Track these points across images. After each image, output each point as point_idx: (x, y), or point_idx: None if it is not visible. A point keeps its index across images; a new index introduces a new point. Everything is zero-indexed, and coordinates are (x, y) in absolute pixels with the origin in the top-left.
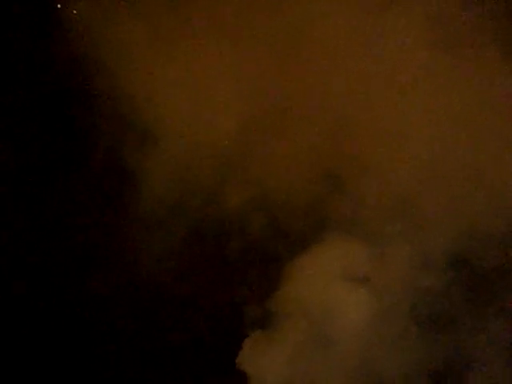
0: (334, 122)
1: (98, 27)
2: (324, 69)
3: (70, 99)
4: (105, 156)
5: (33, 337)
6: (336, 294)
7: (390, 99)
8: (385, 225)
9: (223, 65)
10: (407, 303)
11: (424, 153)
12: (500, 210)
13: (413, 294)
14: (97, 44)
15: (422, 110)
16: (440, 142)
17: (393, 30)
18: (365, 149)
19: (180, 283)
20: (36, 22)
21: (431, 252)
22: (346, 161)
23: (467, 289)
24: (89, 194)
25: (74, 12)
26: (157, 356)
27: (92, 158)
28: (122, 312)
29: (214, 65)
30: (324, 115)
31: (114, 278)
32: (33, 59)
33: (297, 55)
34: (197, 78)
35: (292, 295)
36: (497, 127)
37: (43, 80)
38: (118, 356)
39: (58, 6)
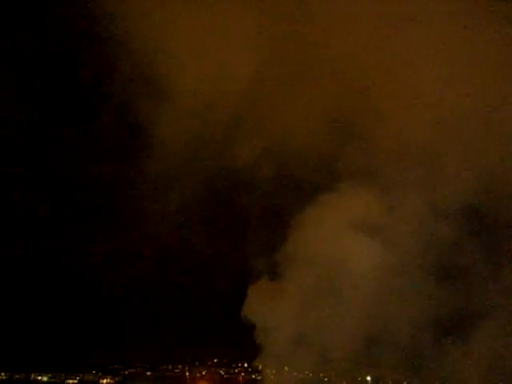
0: (347, 74)
1: None
2: (338, 24)
3: (82, 53)
4: (117, 110)
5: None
6: (345, 245)
7: (404, 50)
8: (398, 175)
9: (235, 18)
10: (419, 253)
11: (438, 103)
12: None
13: (425, 243)
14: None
15: (435, 60)
16: (455, 93)
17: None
18: (378, 99)
19: (191, 236)
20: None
21: (444, 202)
22: (360, 111)
23: (480, 239)
24: (101, 148)
25: None
26: (166, 307)
27: (104, 113)
28: (134, 264)
29: (225, 18)
30: (337, 67)
31: (125, 233)
32: (42, 13)
33: (309, 8)
34: (208, 32)
35: (301, 245)
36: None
37: (55, 33)
38: (130, 299)
39: None
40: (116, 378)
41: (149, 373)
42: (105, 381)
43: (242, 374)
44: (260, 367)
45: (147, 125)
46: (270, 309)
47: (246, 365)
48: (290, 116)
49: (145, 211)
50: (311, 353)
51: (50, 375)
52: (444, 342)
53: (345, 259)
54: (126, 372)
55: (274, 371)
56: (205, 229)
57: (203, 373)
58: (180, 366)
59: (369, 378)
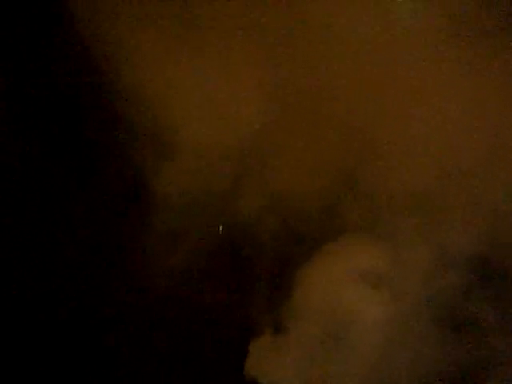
0: (348, 124)
1: (110, 31)
2: (340, 74)
3: (82, 106)
4: (118, 164)
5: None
6: (351, 297)
7: (405, 98)
8: (401, 224)
9: (237, 70)
10: (426, 304)
11: (441, 149)
12: None
13: (431, 294)
14: (109, 49)
15: (437, 107)
16: (458, 138)
17: (409, 29)
18: (383, 150)
19: (193, 290)
20: (43, 28)
21: (450, 251)
22: (361, 161)
23: (489, 289)
24: (102, 203)
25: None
26: (164, 361)
27: (105, 167)
28: (133, 319)
29: (228, 70)
30: (338, 119)
31: (126, 287)
32: (42, 65)
33: (312, 58)
34: (212, 84)
35: (305, 299)
36: None
37: (54, 86)
38: (126, 359)
39: None
40: None
41: None
42: None
43: None
44: None
45: (150, 179)
46: (273, 364)
47: None
48: (294, 169)
49: (148, 266)
50: None
51: None
52: None
53: (350, 311)
54: None
55: None
56: (208, 283)
57: None
58: None
59: None
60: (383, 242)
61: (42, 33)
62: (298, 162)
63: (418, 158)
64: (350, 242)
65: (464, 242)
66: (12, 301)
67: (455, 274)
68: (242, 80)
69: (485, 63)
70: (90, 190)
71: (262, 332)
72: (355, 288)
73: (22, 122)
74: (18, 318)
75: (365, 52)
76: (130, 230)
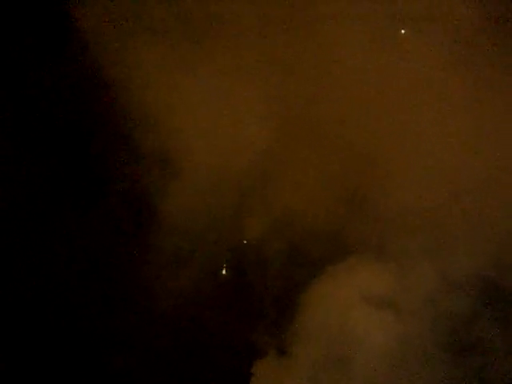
0: (353, 145)
1: (117, 49)
2: (344, 93)
3: (88, 126)
4: (123, 184)
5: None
6: (356, 319)
7: (411, 119)
8: (407, 245)
9: (243, 91)
10: (431, 326)
11: (447, 169)
12: None
13: (437, 316)
14: (115, 66)
15: (441, 128)
16: (464, 159)
17: (413, 49)
18: (385, 168)
19: (197, 312)
20: (51, 48)
21: (456, 273)
22: (366, 181)
23: (495, 312)
24: (107, 224)
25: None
26: (169, 382)
27: (110, 187)
28: (139, 340)
29: (233, 91)
30: (343, 139)
31: (132, 308)
32: (49, 84)
33: (317, 78)
34: (216, 106)
35: (310, 321)
36: None
37: (59, 107)
38: (132, 370)
39: None
40: None
41: None
42: None
43: None
44: None
45: (156, 199)
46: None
47: None
48: (299, 189)
49: (153, 288)
50: None
51: None
52: None
53: (356, 333)
54: None
55: None
56: (213, 305)
57: None
58: None
59: None
60: (389, 263)
61: (50, 51)
62: (303, 183)
63: (423, 179)
64: (355, 263)
65: (470, 263)
66: (23, 319)
67: (461, 297)
68: (249, 101)
69: (492, 84)
70: (95, 211)
71: (267, 354)
72: (360, 310)
73: (28, 143)
74: (28, 336)
75: (370, 72)
76: (136, 251)
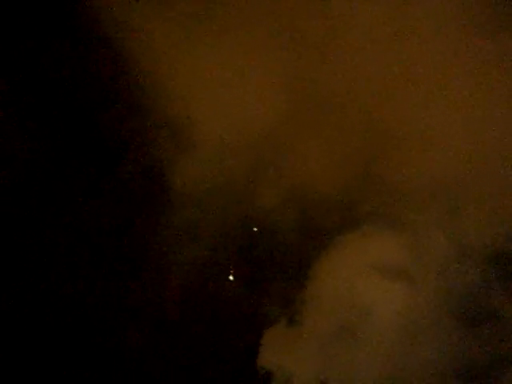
0: (366, 116)
1: (131, 26)
2: (357, 64)
3: (99, 97)
4: (136, 156)
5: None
6: (368, 288)
7: (424, 92)
8: (420, 216)
9: (255, 62)
10: (444, 296)
11: (461, 141)
12: None
13: (450, 286)
14: (128, 40)
15: (457, 100)
16: (478, 130)
17: (429, 24)
18: (398, 140)
19: (209, 282)
20: (65, 23)
21: (470, 244)
22: (380, 152)
23: (508, 281)
24: (120, 195)
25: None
26: (178, 352)
27: (122, 159)
28: (150, 314)
29: (246, 62)
30: (356, 110)
31: (144, 278)
32: (62, 60)
33: (331, 51)
34: (229, 76)
35: (320, 290)
36: None
37: (70, 79)
38: (144, 343)
39: None
40: None
41: None
42: None
43: None
44: None
45: (168, 171)
46: (288, 356)
47: None
48: (312, 160)
49: (165, 260)
50: None
51: None
52: None
53: (367, 303)
54: None
55: None
56: (224, 274)
57: None
58: None
59: None
60: (401, 233)
61: (59, 23)
62: (316, 154)
63: (437, 150)
64: (367, 233)
65: (483, 233)
66: (27, 307)
67: (475, 267)
68: (261, 73)
69: (506, 55)
70: (107, 184)
71: (276, 324)
72: (372, 280)
73: (38, 115)
74: (32, 323)
75: (383, 46)
76: (149, 223)
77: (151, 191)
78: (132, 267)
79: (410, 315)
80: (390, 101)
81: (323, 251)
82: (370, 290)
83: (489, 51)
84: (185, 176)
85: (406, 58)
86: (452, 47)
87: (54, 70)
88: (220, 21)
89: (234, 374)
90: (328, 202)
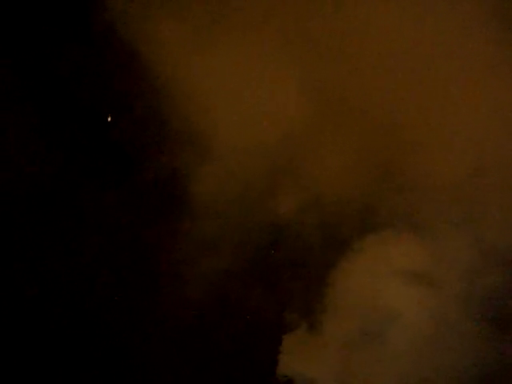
0: (383, 120)
1: (148, 32)
2: (376, 69)
3: (116, 105)
4: (153, 164)
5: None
6: (390, 292)
7: (443, 93)
8: (441, 219)
9: (272, 68)
10: (466, 299)
11: (480, 141)
12: None
13: (473, 289)
14: (144, 46)
15: (476, 101)
16: (497, 131)
17: (454, 27)
18: (417, 143)
19: (230, 288)
20: (80, 29)
21: (492, 246)
22: (399, 156)
23: None
24: (135, 206)
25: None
26: (199, 363)
27: (138, 169)
28: (171, 318)
29: (266, 69)
30: (374, 114)
31: (162, 289)
32: (79, 67)
33: (349, 56)
34: (249, 84)
35: (342, 296)
36: None
37: (91, 87)
38: (163, 353)
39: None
40: None
41: None
42: None
43: None
44: None
45: (185, 180)
46: (309, 362)
47: None
48: (331, 167)
49: (184, 271)
50: None
51: None
52: None
53: (390, 308)
54: None
55: None
56: (245, 281)
57: None
58: None
59: None
60: (422, 236)
61: (74, 29)
62: (334, 159)
63: (457, 152)
64: (388, 237)
65: (507, 236)
66: (40, 311)
67: (498, 270)
68: (278, 79)
69: None
70: (124, 193)
71: (297, 330)
72: (393, 285)
73: (55, 121)
74: (46, 328)
75: (402, 50)
76: (167, 233)
77: (169, 201)
78: (150, 278)
79: (434, 320)
80: (408, 104)
81: (344, 257)
82: (394, 295)
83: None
84: (204, 185)
85: (427, 63)
86: (472, 49)
87: (72, 78)
88: (237, 26)
89: (255, 382)
90: (347, 207)
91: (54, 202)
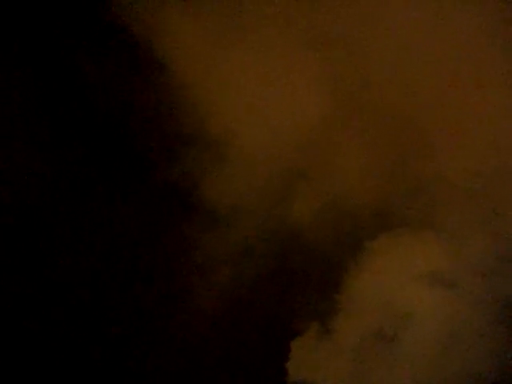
0: (399, 121)
1: (163, 35)
2: (394, 68)
3: (129, 109)
4: (168, 171)
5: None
6: (406, 294)
7: (460, 93)
8: (459, 218)
9: (291, 72)
10: (484, 301)
11: (497, 141)
12: None
13: (490, 291)
14: (160, 50)
15: (493, 100)
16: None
17: (466, 29)
18: (435, 143)
19: (243, 291)
20: (94, 32)
21: (509, 246)
22: (416, 157)
23: None
24: (150, 211)
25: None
26: (210, 371)
27: (154, 173)
28: (182, 325)
29: (282, 71)
30: (389, 116)
31: (172, 296)
32: (89, 73)
33: (367, 56)
34: (264, 87)
35: (356, 298)
36: None
37: (103, 93)
38: (173, 361)
39: None
40: None
41: None
42: None
43: None
44: None
45: (201, 184)
46: (319, 368)
47: None
48: (347, 168)
49: (196, 280)
50: None
51: None
52: None
53: (407, 310)
54: None
55: None
56: (258, 284)
57: None
58: None
59: None
60: (438, 238)
61: (88, 32)
62: (348, 161)
63: (473, 152)
64: (405, 240)
65: None
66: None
67: None
68: (295, 87)
69: None
70: (136, 197)
71: (308, 335)
72: (412, 286)
73: (69, 126)
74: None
75: (419, 47)
76: (179, 240)
77: (182, 207)
78: (161, 286)
79: (451, 322)
80: (424, 106)
81: (359, 259)
82: (409, 297)
83: None
84: (218, 190)
85: (439, 56)
86: (491, 48)
87: (85, 83)
88: (257, 28)
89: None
90: (363, 210)
91: (65, 206)
